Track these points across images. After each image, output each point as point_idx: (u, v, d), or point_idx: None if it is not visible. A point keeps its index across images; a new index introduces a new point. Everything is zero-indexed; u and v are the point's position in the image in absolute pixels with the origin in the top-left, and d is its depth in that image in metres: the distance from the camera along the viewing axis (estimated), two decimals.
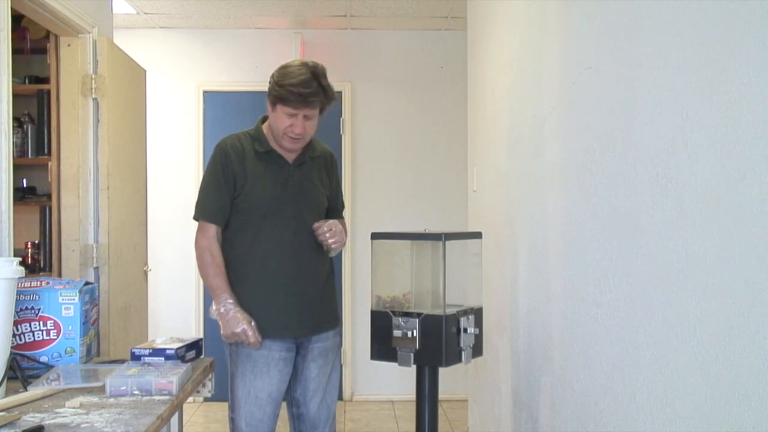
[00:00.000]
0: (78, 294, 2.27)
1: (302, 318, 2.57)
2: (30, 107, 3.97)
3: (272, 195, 2.55)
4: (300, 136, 2.52)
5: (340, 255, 5.41)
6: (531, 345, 2.64)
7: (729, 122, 1.28)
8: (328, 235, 2.55)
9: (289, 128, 2.49)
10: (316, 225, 2.56)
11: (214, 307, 2.51)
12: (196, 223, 2.59)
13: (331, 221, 2.60)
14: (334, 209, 2.76)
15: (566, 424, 2.20)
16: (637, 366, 1.67)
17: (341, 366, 5.38)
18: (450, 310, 2.43)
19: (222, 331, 2.49)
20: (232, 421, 2.60)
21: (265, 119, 2.63)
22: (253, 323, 2.47)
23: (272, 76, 2.52)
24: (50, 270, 3.67)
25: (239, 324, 2.45)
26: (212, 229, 2.56)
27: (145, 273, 4.17)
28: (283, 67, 2.52)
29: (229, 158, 2.55)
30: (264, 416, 2.55)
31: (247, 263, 2.56)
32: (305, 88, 2.43)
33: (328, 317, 2.68)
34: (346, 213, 5.34)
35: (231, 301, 2.49)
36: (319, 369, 2.64)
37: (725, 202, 1.29)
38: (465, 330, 2.46)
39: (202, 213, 2.58)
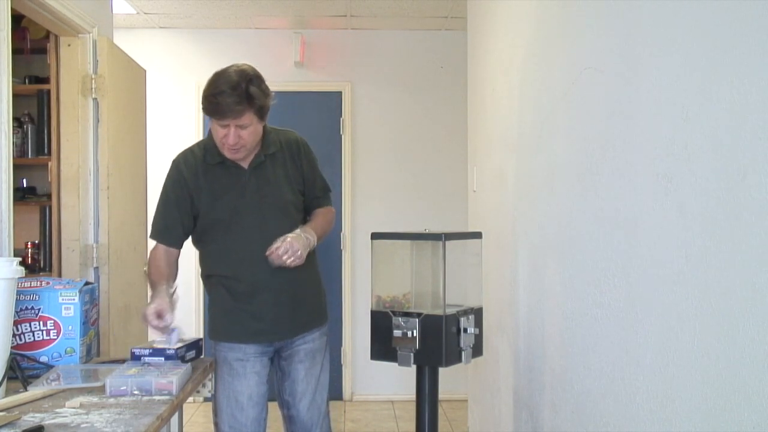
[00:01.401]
0: (78, 294, 2.27)
1: (276, 324, 2.53)
2: (30, 107, 3.97)
3: (230, 208, 2.48)
4: (236, 147, 2.39)
5: (339, 255, 5.44)
6: (531, 345, 2.64)
7: (729, 122, 1.28)
8: (284, 257, 2.38)
9: (223, 139, 2.38)
10: (267, 254, 2.39)
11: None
12: None
13: (279, 242, 2.39)
14: (312, 198, 2.64)
15: (566, 424, 2.20)
16: (637, 366, 1.67)
17: (339, 366, 5.38)
18: (450, 310, 2.43)
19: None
20: (216, 425, 2.60)
21: None
22: (157, 309, 2.33)
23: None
24: (50, 270, 3.67)
25: (147, 307, 2.36)
26: (160, 247, 2.55)
27: (145, 273, 4.16)
28: (213, 75, 2.37)
29: (182, 175, 2.51)
30: (247, 420, 2.52)
31: (218, 275, 2.55)
32: (226, 97, 2.29)
33: (310, 317, 2.62)
34: (345, 212, 5.40)
35: (159, 290, 2.42)
36: (306, 371, 2.61)
37: (725, 202, 1.29)
38: (465, 330, 2.46)
39: (153, 232, 2.59)
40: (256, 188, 2.50)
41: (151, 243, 2.62)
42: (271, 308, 2.51)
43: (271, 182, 2.53)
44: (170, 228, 2.53)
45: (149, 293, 2.55)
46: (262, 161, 2.52)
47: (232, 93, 2.29)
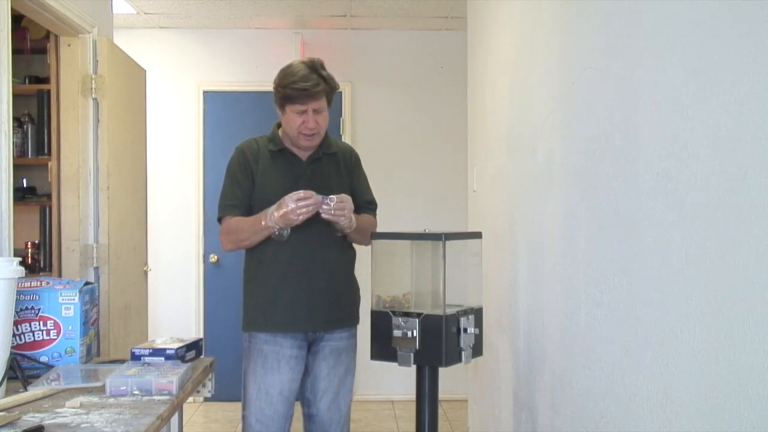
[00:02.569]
0: (78, 294, 2.27)
1: (312, 313, 2.57)
2: (30, 107, 3.97)
3: (281, 192, 2.52)
4: (314, 131, 2.57)
5: None
6: (531, 345, 2.64)
7: (729, 122, 1.28)
8: (337, 211, 2.45)
9: (302, 126, 2.54)
10: (326, 198, 2.45)
11: (267, 223, 2.47)
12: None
13: (337, 197, 2.48)
14: (357, 206, 2.67)
15: (566, 424, 2.20)
16: (637, 366, 1.67)
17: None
18: (450, 310, 2.43)
19: (289, 217, 2.42)
20: (244, 418, 2.62)
21: (280, 125, 2.69)
22: (296, 195, 2.41)
23: (274, 80, 2.58)
24: (50, 270, 3.67)
25: (282, 206, 2.41)
26: (231, 217, 2.61)
27: (145, 273, 4.17)
28: (283, 69, 2.60)
29: (246, 156, 2.65)
30: (275, 414, 2.55)
31: (259, 259, 2.61)
32: (306, 81, 2.50)
33: (343, 315, 2.66)
34: None
35: (267, 209, 2.48)
36: (329, 369, 2.63)
37: (725, 202, 1.29)
38: (465, 330, 2.45)
39: (222, 211, 2.65)
40: (311, 179, 2.61)
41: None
42: (307, 295, 2.56)
43: (325, 177, 2.65)
44: (243, 202, 2.61)
45: (255, 235, 2.54)
46: (319, 157, 2.66)
47: (310, 77, 2.52)
